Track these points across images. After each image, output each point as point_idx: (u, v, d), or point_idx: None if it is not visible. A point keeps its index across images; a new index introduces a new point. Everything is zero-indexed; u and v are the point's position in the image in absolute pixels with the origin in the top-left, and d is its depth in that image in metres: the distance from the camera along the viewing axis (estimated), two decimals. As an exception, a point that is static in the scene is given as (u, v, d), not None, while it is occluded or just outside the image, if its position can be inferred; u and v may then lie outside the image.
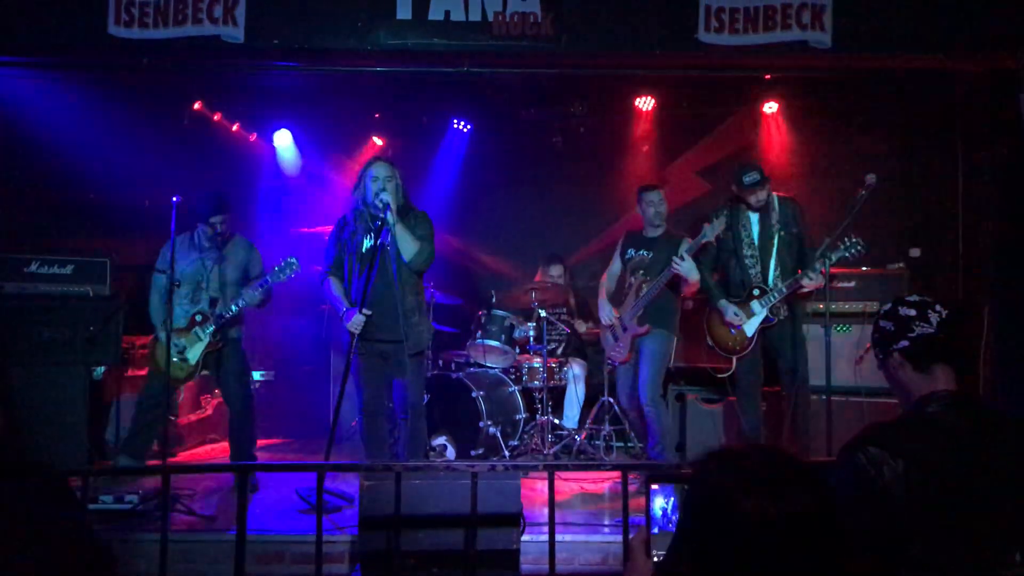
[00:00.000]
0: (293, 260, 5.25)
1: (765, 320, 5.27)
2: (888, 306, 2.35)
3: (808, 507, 1.27)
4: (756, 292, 5.30)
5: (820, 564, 1.26)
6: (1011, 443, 2.12)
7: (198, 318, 5.34)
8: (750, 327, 5.31)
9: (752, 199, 5.34)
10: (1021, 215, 5.24)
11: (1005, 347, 5.32)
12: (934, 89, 5.94)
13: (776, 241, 5.32)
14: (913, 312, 2.27)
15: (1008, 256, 5.40)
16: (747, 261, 5.37)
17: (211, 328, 5.31)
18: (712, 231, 5.28)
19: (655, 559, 1.62)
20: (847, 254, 5.00)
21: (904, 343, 2.25)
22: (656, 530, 1.69)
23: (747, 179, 5.29)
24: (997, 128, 5.50)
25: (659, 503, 1.69)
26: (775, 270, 5.30)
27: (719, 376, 5.55)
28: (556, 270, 7.13)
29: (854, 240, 4.99)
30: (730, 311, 5.32)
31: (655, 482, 1.70)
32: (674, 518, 1.67)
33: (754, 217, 5.39)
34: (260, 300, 5.36)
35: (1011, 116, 5.17)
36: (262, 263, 5.60)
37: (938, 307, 2.27)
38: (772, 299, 5.23)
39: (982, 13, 5.12)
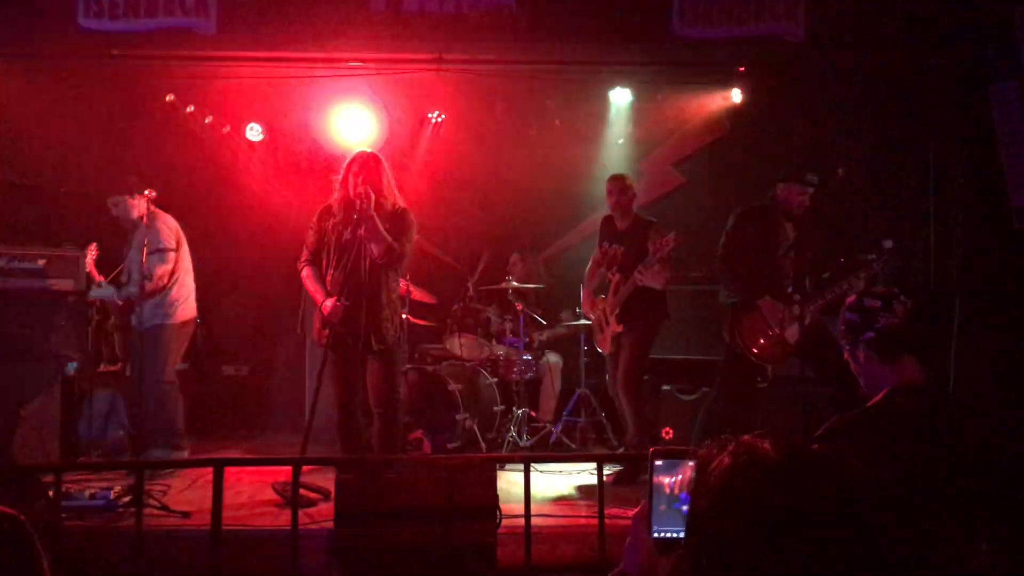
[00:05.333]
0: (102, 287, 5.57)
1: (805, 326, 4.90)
2: (854, 298, 2.38)
3: (834, 499, 1.23)
4: (797, 298, 4.98)
5: (847, 556, 1.21)
6: (976, 434, 2.14)
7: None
8: (792, 333, 4.95)
9: (800, 200, 5.03)
10: (988, 206, 5.30)
11: (972, 338, 5.39)
12: (906, 80, 5.99)
13: (811, 252, 5.04)
14: (878, 303, 2.29)
15: (976, 247, 5.46)
16: (783, 266, 5.05)
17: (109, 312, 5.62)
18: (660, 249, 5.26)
19: (656, 535, 1.61)
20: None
21: (870, 334, 2.27)
22: (663, 507, 1.67)
23: (809, 177, 4.99)
24: (967, 119, 5.55)
25: (665, 480, 1.68)
26: (807, 278, 5.04)
27: (760, 386, 5.19)
28: (515, 257, 7.11)
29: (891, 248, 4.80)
30: (777, 307, 4.93)
31: (659, 458, 1.67)
32: (681, 496, 1.66)
33: (788, 224, 5.09)
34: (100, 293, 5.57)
35: (981, 107, 5.23)
36: (160, 239, 5.58)
37: (903, 298, 2.30)
38: (814, 303, 4.90)
39: (953, 5, 5.17)
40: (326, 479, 4.76)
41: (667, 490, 1.66)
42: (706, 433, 5.29)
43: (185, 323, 5.78)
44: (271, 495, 4.83)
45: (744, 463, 1.29)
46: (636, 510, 1.64)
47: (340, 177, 4.93)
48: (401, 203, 5.01)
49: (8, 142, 6.05)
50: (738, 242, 5.13)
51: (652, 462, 1.66)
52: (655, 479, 1.66)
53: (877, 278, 4.78)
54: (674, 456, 1.68)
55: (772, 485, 1.24)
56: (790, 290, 5.00)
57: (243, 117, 7.66)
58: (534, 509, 3.79)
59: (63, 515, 3.99)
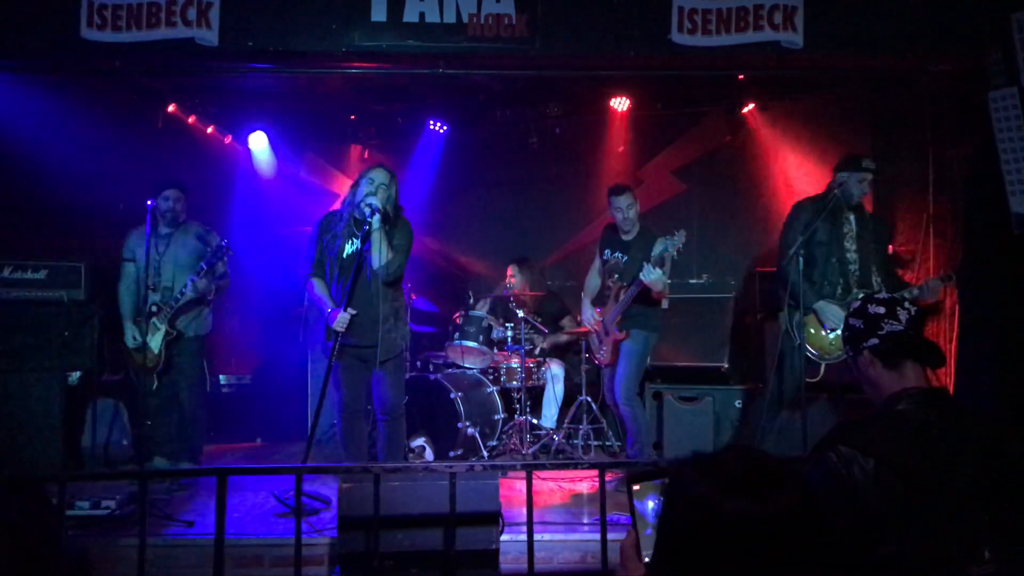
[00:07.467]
0: (225, 244, 5.39)
1: None
2: (858, 304, 2.38)
3: (790, 506, 1.26)
4: (860, 295, 4.76)
5: (805, 563, 1.25)
6: (981, 440, 2.14)
7: (154, 308, 5.37)
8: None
9: (860, 189, 5.03)
10: (987, 213, 5.31)
11: (972, 344, 5.40)
12: (905, 88, 6.01)
13: (873, 243, 5.05)
14: (882, 310, 2.30)
15: (975, 253, 5.47)
16: (849, 256, 5.04)
17: (167, 316, 5.39)
18: (673, 245, 5.24)
19: (646, 560, 1.61)
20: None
21: (874, 340, 2.27)
22: (649, 531, 1.66)
23: (866, 164, 4.98)
24: (966, 126, 5.57)
25: (650, 504, 1.68)
26: (877, 274, 5.05)
27: (809, 380, 5.00)
28: (512, 270, 7.12)
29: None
30: (830, 312, 4.94)
31: (636, 483, 1.68)
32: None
33: (851, 215, 5.09)
34: (206, 286, 5.43)
35: (980, 114, 5.24)
36: (223, 244, 5.57)
37: (907, 304, 2.30)
38: None
39: (952, 12, 5.19)
40: (328, 487, 4.77)
41: (649, 513, 1.66)
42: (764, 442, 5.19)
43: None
44: (274, 504, 4.84)
45: (701, 478, 1.30)
46: (624, 539, 1.63)
47: (352, 188, 4.95)
48: (402, 214, 5.04)
49: (9, 153, 6.06)
50: (797, 237, 5.02)
51: (630, 488, 1.66)
52: (638, 504, 1.66)
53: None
54: (650, 478, 1.68)
55: (730, 496, 1.26)
56: (855, 288, 4.99)
57: (245, 126, 7.70)
58: (536, 517, 3.79)
59: (67, 525, 3.99)
